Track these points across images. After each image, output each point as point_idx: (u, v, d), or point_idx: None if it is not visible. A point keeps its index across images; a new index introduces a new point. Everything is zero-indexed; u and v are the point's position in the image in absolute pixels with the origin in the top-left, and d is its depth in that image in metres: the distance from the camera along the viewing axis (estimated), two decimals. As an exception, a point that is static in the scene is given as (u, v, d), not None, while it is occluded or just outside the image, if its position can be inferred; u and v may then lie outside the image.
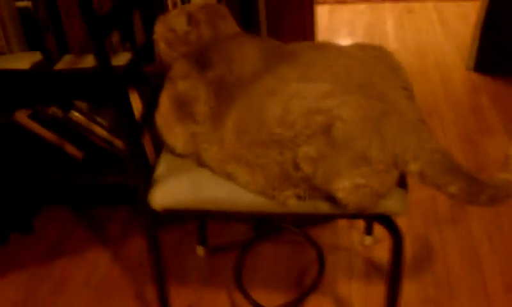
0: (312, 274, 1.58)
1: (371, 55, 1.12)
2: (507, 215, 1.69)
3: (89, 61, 1.67)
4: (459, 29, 3.24)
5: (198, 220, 1.66)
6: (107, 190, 2.02)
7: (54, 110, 1.79)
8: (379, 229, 1.67)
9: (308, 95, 0.99)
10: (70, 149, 1.84)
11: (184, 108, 1.16)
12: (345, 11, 3.72)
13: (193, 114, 1.14)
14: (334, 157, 0.97)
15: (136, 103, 1.71)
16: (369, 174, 0.97)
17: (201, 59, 1.18)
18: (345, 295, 1.50)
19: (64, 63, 1.67)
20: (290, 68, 1.07)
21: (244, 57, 1.15)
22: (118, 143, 1.82)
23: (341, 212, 1.05)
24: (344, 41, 3.22)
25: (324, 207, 1.06)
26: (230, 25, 1.27)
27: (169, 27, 1.23)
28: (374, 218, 1.08)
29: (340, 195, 1.00)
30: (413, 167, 0.99)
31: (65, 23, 1.69)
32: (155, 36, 1.28)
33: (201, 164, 1.17)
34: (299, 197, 1.05)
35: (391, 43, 3.14)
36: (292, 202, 1.05)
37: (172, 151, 1.22)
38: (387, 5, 3.78)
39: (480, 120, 2.23)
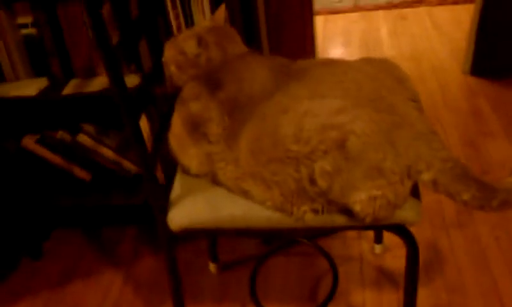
0: (325, 284, 1.59)
1: (379, 69, 1.14)
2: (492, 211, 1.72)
3: (96, 85, 1.69)
4: (453, 34, 3.28)
5: (209, 238, 1.67)
6: (115, 211, 2.03)
7: (62, 134, 1.81)
8: (388, 238, 1.69)
9: (321, 112, 1.02)
10: (78, 172, 1.86)
11: (197, 129, 1.18)
12: (339, 20, 3.76)
13: (207, 134, 1.16)
14: (349, 170, 0.99)
15: (144, 125, 1.73)
16: (384, 185, 1.00)
17: (212, 81, 1.20)
18: (359, 304, 1.51)
19: (71, 88, 1.69)
20: (301, 86, 1.10)
21: (254, 77, 1.17)
22: (126, 164, 1.84)
23: (357, 224, 1.07)
24: (340, 50, 3.25)
25: (340, 220, 1.08)
26: (238, 46, 1.29)
27: (180, 50, 1.25)
28: (389, 228, 1.10)
29: (357, 208, 1.02)
30: (426, 176, 1.01)
31: (70, 48, 1.71)
32: (165, 59, 1.30)
33: (216, 183, 1.19)
34: (315, 211, 1.07)
35: (386, 50, 3.18)
36: (309, 217, 1.07)
37: (187, 172, 1.23)
38: (380, 13, 3.83)
39: (480, 123, 2.26)
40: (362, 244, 1.71)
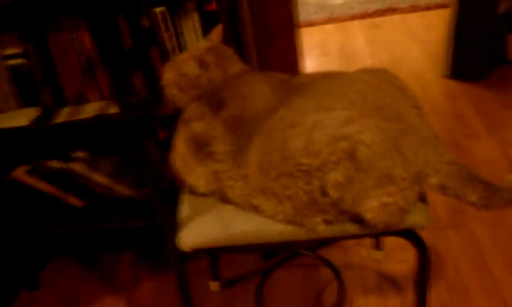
0: (329, 294, 1.61)
1: (380, 79, 1.16)
2: (503, 212, 1.76)
3: (88, 111, 1.68)
4: (428, 39, 3.36)
5: (210, 256, 1.67)
6: (111, 236, 2.02)
7: (54, 163, 1.79)
8: (387, 243, 1.72)
9: (329, 124, 1.03)
10: (71, 199, 1.84)
11: (202, 148, 1.18)
12: (315, 33, 3.81)
13: (213, 153, 1.17)
14: (361, 180, 1.01)
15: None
16: (395, 192, 1.02)
17: (214, 100, 1.21)
18: (366, 312, 1.53)
19: (63, 116, 1.68)
20: (305, 100, 1.11)
21: (256, 94, 1.19)
22: (120, 189, 1.83)
23: (369, 232, 1.09)
24: (319, 61, 3.29)
25: (352, 229, 1.09)
26: (236, 65, 1.31)
27: (180, 72, 1.26)
28: (399, 233, 1.12)
29: (369, 215, 1.03)
30: (434, 180, 1.04)
31: (61, 76, 1.70)
32: (164, 81, 1.30)
33: (225, 200, 1.19)
34: (327, 222, 1.08)
35: (365, 59, 3.23)
36: (321, 228, 1.09)
37: (194, 192, 1.24)
38: (355, 23, 3.89)
39: (464, 125, 2.32)
40: (361, 251, 1.73)
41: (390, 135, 1.02)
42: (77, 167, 1.77)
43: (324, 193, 1.03)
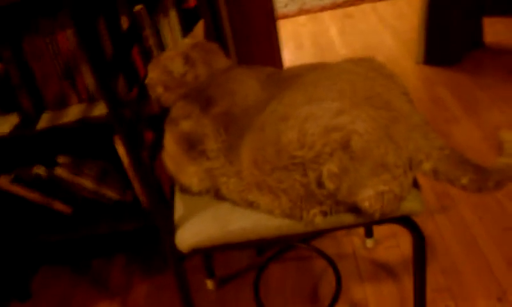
0: (325, 284, 1.61)
1: (367, 68, 1.17)
2: (490, 193, 1.79)
3: (69, 115, 1.66)
4: (399, 26, 3.39)
5: (204, 254, 1.66)
6: (101, 241, 1.99)
7: (37, 170, 1.76)
8: (377, 231, 1.73)
9: (321, 115, 1.03)
10: (58, 206, 1.81)
11: (194, 147, 1.17)
12: (288, 24, 3.81)
13: (205, 151, 1.16)
14: (356, 169, 1.01)
15: (122, 149, 1.70)
16: (390, 180, 1.02)
17: (202, 97, 1.20)
18: (362, 299, 1.54)
19: (44, 121, 1.65)
20: (295, 92, 1.11)
21: (245, 88, 1.18)
22: (107, 192, 1.81)
23: (365, 221, 1.10)
24: (294, 54, 3.30)
25: (349, 219, 1.10)
26: (222, 60, 1.30)
27: (165, 70, 1.25)
28: (395, 221, 1.13)
29: (366, 204, 1.04)
30: (427, 166, 1.04)
31: (39, 81, 1.67)
32: (149, 81, 1.29)
33: (220, 197, 1.19)
34: (324, 213, 1.08)
35: (339, 49, 3.25)
36: (318, 219, 1.09)
37: (188, 191, 1.23)
38: (326, 14, 3.91)
39: (443, 110, 2.35)
40: (354, 240, 1.75)
41: (382, 123, 1.03)
42: (62, 172, 1.74)
43: (320, 184, 1.03)
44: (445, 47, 2.74)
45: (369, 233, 1.71)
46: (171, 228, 1.18)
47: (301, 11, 4.02)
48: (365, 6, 3.88)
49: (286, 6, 4.20)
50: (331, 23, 3.68)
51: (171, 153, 1.23)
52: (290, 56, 3.28)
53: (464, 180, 1.03)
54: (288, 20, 3.91)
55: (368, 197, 1.03)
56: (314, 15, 3.94)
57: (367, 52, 3.09)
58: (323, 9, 3.99)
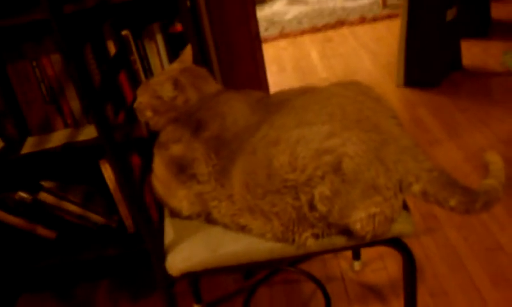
0: (313, 307, 1.61)
1: (356, 92, 1.18)
2: (476, 214, 1.81)
3: (54, 140, 1.64)
4: (378, 50, 3.45)
5: (192, 279, 1.65)
6: (86, 266, 1.96)
7: (21, 194, 1.73)
8: (365, 253, 1.74)
9: (312, 138, 1.04)
10: (42, 231, 1.79)
11: (184, 170, 1.17)
12: (269, 48, 3.85)
13: (195, 174, 1.16)
14: (347, 192, 1.02)
15: (108, 173, 1.69)
16: (381, 202, 1.03)
17: (192, 121, 1.20)
18: (350, 322, 1.54)
19: (29, 146, 1.63)
20: (286, 116, 1.12)
21: (235, 112, 1.19)
22: (92, 217, 1.79)
23: (357, 243, 1.10)
24: (277, 77, 3.32)
25: (340, 241, 1.10)
26: (211, 84, 1.30)
27: (155, 95, 1.25)
28: (385, 243, 1.14)
29: (357, 226, 1.04)
30: (417, 188, 1.05)
31: (23, 106, 1.66)
32: (138, 105, 1.28)
33: (211, 221, 1.18)
34: (316, 236, 1.09)
35: (320, 72, 3.28)
36: (310, 242, 1.09)
37: (178, 215, 1.22)
38: (306, 38, 3.96)
39: (425, 132, 2.38)
40: (341, 263, 1.75)
41: (372, 146, 1.04)
42: (46, 197, 1.72)
43: (312, 207, 1.04)
44: (424, 70, 2.79)
45: (357, 256, 1.71)
46: (161, 253, 1.17)
47: (282, 35, 4.06)
48: (344, 30, 3.94)
49: (266, 29, 4.24)
50: (311, 47, 3.73)
51: (161, 177, 1.23)
52: (273, 79, 3.30)
53: (453, 202, 1.04)
54: (270, 44, 3.95)
55: (359, 219, 1.04)
56: (294, 38, 3.99)
57: (348, 76, 3.13)
58: (303, 33, 4.05)
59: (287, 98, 1.19)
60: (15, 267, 1.74)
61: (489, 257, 1.65)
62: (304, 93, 1.19)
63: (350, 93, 1.17)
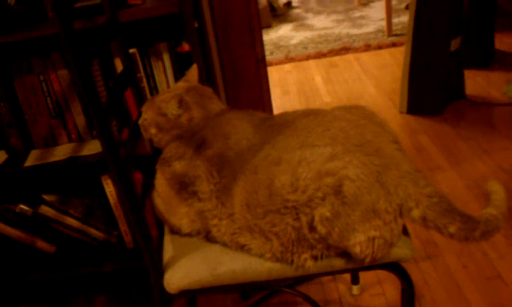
0: (309, 331, 1.60)
1: (359, 116, 1.20)
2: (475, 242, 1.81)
3: (58, 154, 1.66)
4: (382, 76, 3.47)
5: (189, 298, 1.65)
6: (83, 280, 1.96)
7: (22, 207, 1.74)
8: (364, 278, 1.74)
9: (314, 160, 1.05)
10: (42, 244, 1.79)
11: (185, 188, 1.18)
12: (274, 72, 3.87)
13: (197, 192, 1.17)
14: (347, 214, 1.02)
15: (110, 189, 1.70)
16: (381, 226, 1.04)
17: (196, 140, 1.21)
18: (347, 347, 1.53)
19: (32, 159, 1.65)
20: (289, 137, 1.13)
21: (238, 132, 1.20)
22: (92, 232, 1.79)
23: (356, 266, 1.10)
24: (281, 100, 3.34)
25: (339, 264, 1.10)
26: (216, 104, 1.32)
27: (159, 112, 1.26)
28: (384, 267, 1.14)
29: (357, 250, 1.05)
30: (416, 213, 1.06)
31: (29, 119, 1.67)
32: (143, 122, 1.30)
33: (210, 240, 1.19)
34: (315, 258, 1.09)
35: (324, 96, 3.30)
36: (309, 264, 1.09)
37: (178, 232, 1.23)
38: (311, 62, 3.98)
39: (426, 159, 2.39)
40: (339, 286, 1.74)
41: (373, 169, 1.04)
42: (46, 211, 1.72)
43: (312, 228, 1.04)
44: (427, 98, 2.81)
45: (355, 280, 1.71)
46: (159, 269, 1.17)
47: (287, 59, 4.09)
48: (349, 56, 3.97)
49: (272, 53, 4.28)
50: (316, 72, 3.76)
51: (162, 193, 1.24)
52: (277, 102, 3.32)
53: (452, 229, 1.04)
54: (274, 67, 3.98)
55: (359, 242, 1.04)
56: (300, 63, 4.02)
57: (352, 101, 3.15)
58: (308, 57, 4.07)
59: (291, 119, 1.20)
60: (12, 279, 1.74)
61: (488, 286, 1.65)
62: (308, 115, 1.20)
63: (353, 116, 1.18)
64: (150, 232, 1.19)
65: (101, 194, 1.73)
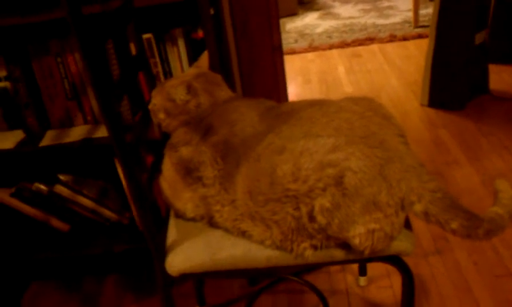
0: (314, 320, 1.61)
1: (365, 108, 1.19)
2: (480, 240, 1.79)
3: (73, 135, 1.68)
4: (406, 68, 3.43)
5: (196, 281, 1.67)
6: (95, 259, 2.00)
7: (38, 186, 1.78)
8: (371, 269, 1.73)
9: (316, 150, 1.05)
10: (56, 223, 1.83)
11: (191, 173, 1.20)
12: (297, 60, 3.86)
13: (201, 178, 1.18)
14: (347, 206, 1.03)
15: (121, 172, 1.72)
16: (381, 218, 1.04)
17: (202, 126, 1.22)
18: (351, 337, 1.54)
19: (48, 139, 1.68)
20: (294, 127, 1.13)
21: (244, 119, 1.21)
22: (105, 212, 1.82)
23: (355, 257, 1.11)
24: (301, 88, 3.33)
25: (339, 254, 1.11)
26: (224, 91, 1.33)
27: (168, 98, 1.28)
28: (384, 259, 1.14)
29: (356, 241, 1.05)
30: (418, 207, 1.05)
31: (46, 100, 1.70)
32: (152, 107, 1.32)
33: (213, 225, 1.20)
34: (315, 247, 1.10)
35: (345, 86, 3.28)
36: (308, 253, 1.10)
37: (182, 216, 1.25)
38: (335, 52, 3.96)
39: (444, 153, 2.36)
40: (347, 277, 1.75)
41: (376, 162, 1.04)
42: (62, 190, 1.76)
43: (312, 219, 1.05)
44: (450, 92, 2.77)
45: (363, 271, 1.71)
46: (162, 252, 1.19)
47: (311, 48, 4.07)
48: (374, 47, 3.93)
49: (296, 41, 4.26)
50: (339, 61, 3.73)
51: (168, 178, 1.26)
52: (297, 90, 3.32)
53: (454, 225, 1.04)
54: (297, 56, 3.96)
55: (358, 234, 1.04)
56: (323, 52, 4.00)
57: (373, 92, 3.13)
58: (332, 47, 4.05)
59: (296, 109, 1.20)
60: (26, 255, 1.78)
61: (497, 283, 1.63)
62: (314, 105, 1.20)
63: (359, 108, 1.18)
64: (155, 215, 1.21)
65: (115, 176, 1.76)
